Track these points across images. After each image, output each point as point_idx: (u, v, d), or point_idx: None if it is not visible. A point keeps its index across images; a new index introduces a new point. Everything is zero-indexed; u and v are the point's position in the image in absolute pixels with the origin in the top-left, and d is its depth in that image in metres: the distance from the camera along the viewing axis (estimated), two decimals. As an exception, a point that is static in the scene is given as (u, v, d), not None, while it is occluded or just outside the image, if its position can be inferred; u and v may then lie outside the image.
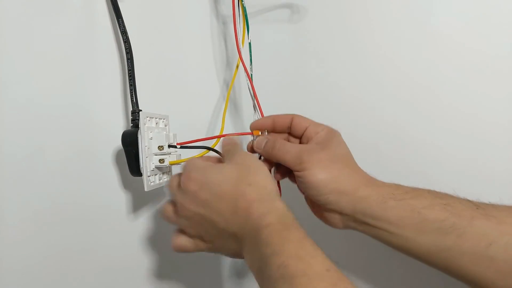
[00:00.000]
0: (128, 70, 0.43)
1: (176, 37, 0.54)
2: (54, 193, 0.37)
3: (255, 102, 0.47)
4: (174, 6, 0.53)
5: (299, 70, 0.57)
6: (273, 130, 0.45)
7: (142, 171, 0.40)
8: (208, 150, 0.44)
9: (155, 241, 0.48)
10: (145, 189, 0.40)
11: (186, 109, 0.54)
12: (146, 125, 0.41)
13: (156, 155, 0.42)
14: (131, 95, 0.43)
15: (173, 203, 0.40)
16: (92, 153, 0.40)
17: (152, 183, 0.41)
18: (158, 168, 0.42)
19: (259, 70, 0.51)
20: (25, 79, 0.35)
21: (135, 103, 0.43)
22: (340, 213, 0.39)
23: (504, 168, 0.44)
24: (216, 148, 0.43)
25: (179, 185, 0.38)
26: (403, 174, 0.48)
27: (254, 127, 0.45)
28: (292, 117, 0.44)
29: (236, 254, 0.37)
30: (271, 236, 0.32)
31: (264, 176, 0.38)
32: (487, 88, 0.44)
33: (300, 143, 0.44)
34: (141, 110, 0.43)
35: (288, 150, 0.40)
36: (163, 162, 0.42)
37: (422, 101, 0.48)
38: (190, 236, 0.39)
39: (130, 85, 0.43)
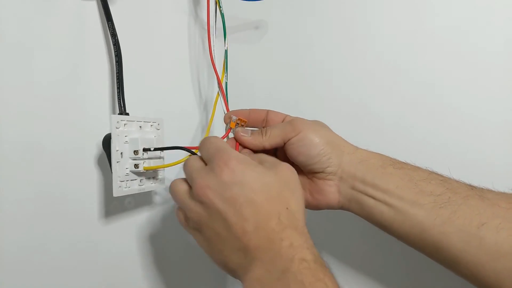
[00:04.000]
0: (117, 73, 0.43)
1: (167, 40, 0.53)
2: (34, 188, 0.38)
3: (225, 108, 0.44)
4: (165, 11, 0.52)
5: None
6: (247, 123, 0.44)
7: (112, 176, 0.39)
8: (189, 156, 0.41)
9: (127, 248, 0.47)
10: (113, 194, 0.39)
11: (176, 114, 0.52)
12: (119, 129, 0.40)
13: (133, 159, 0.41)
14: (119, 98, 0.43)
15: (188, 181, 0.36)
16: (77, 155, 0.41)
17: (126, 189, 0.40)
18: (136, 173, 0.41)
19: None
20: (14, 80, 0.36)
21: (122, 107, 0.43)
22: (340, 179, 0.38)
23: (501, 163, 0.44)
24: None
25: (205, 164, 0.35)
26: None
27: (229, 116, 0.43)
28: (268, 111, 0.43)
29: (232, 269, 0.33)
30: (304, 274, 0.29)
31: (301, 200, 0.35)
32: (486, 83, 0.44)
33: None
34: (128, 113, 0.43)
35: (276, 126, 0.40)
36: (138, 167, 0.40)
37: (417, 95, 0.47)
38: (188, 222, 0.35)
39: (118, 87, 0.43)
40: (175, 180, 0.36)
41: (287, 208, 0.32)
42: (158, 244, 0.50)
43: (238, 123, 0.42)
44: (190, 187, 0.35)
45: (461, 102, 0.45)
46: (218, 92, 0.50)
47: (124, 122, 0.40)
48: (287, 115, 0.43)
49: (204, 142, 0.37)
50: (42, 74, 0.38)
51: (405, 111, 0.48)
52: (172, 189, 0.36)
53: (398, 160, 0.39)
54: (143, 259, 0.49)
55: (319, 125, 0.40)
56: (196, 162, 0.35)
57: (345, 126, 0.49)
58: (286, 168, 0.36)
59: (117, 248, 0.45)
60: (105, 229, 0.44)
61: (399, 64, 0.49)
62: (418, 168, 0.38)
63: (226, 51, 0.50)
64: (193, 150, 0.41)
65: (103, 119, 0.43)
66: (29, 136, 0.37)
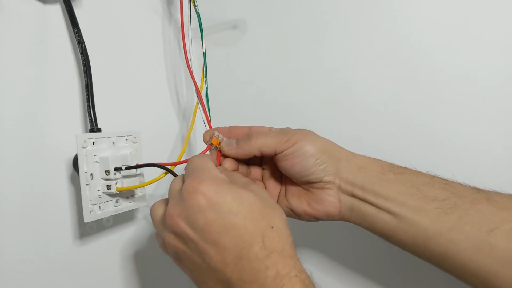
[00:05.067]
0: (85, 85, 0.39)
1: (140, 44, 0.49)
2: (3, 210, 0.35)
3: (205, 118, 0.40)
4: (136, 13, 0.48)
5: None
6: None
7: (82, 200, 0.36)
8: (166, 173, 0.38)
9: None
10: (84, 220, 0.36)
11: (154, 124, 0.48)
12: (87, 148, 0.36)
13: (105, 179, 0.37)
14: (89, 112, 0.39)
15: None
16: (48, 174, 0.38)
17: (100, 212, 0.37)
18: (109, 194, 0.38)
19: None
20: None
21: (93, 121, 0.39)
22: (339, 187, 0.36)
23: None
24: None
25: (180, 188, 0.31)
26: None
27: (209, 135, 0.39)
28: (249, 127, 0.40)
29: None
30: None
31: (284, 218, 0.31)
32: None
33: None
34: (99, 128, 0.39)
35: (267, 134, 0.37)
36: (110, 188, 0.37)
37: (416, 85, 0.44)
38: (167, 250, 0.32)
39: (87, 101, 0.39)
40: (155, 203, 0.33)
41: (272, 227, 0.29)
42: (140, 264, 0.47)
43: (221, 141, 0.38)
44: None
45: (465, 97, 0.42)
46: (197, 101, 0.46)
47: (92, 140, 0.37)
48: (271, 128, 0.40)
49: (187, 162, 0.34)
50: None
51: (404, 106, 0.45)
52: (151, 213, 0.33)
53: (398, 165, 0.36)
54: (125, 280, 0.46)
55: (311, 134, 0.38)
56: (176, 184, 0.32)
57: (336, 126, 0.48)
58: (260, 187, 0.34)
59: (95, 270, 0.42)
60: (81, 250, 0.41)
61: (393, 58, 0.45)
62: (419, 172, 0.35)
63: (204, 54, 0.46)
64: (168, 167, 0.37)
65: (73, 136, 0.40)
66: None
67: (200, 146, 0.54)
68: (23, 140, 0.36)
